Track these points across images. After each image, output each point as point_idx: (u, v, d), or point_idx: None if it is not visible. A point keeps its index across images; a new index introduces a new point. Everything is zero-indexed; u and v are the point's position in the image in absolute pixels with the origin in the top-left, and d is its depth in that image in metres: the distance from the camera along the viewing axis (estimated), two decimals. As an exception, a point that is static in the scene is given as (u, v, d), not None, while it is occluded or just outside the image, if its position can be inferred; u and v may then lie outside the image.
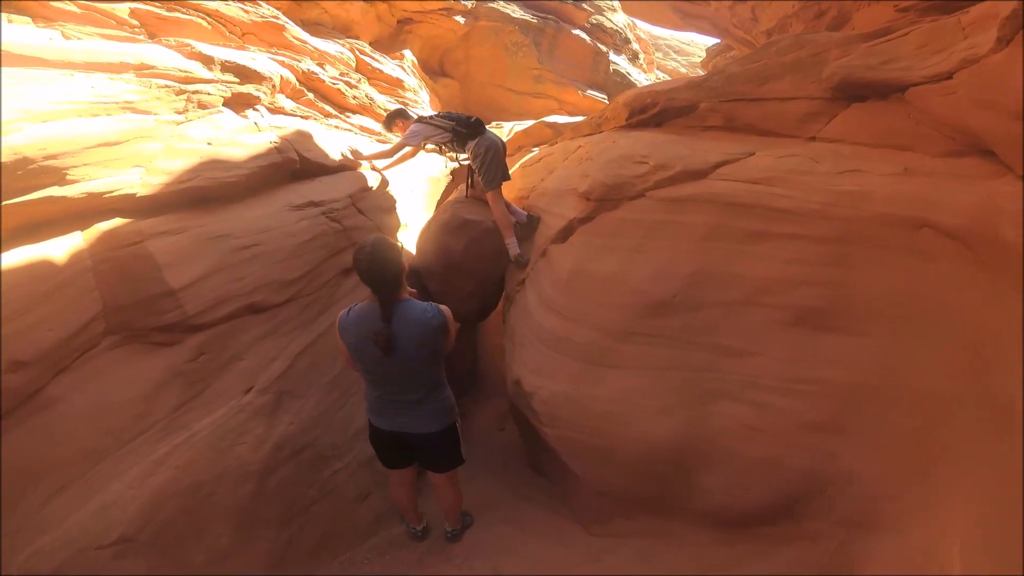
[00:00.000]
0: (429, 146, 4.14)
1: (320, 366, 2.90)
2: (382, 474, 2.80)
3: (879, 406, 2.14)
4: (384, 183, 4.35)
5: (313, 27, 6.84)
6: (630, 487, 2.62)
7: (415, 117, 4.14)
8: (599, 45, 11.50)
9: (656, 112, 3.60)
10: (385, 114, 4.89)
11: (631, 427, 2.51)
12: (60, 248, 2.34)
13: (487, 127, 3.96)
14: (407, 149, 4.09)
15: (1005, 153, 1.87)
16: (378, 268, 2.07)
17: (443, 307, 2.26)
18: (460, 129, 3.79)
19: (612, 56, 11.97)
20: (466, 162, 4.01)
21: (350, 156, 4.16)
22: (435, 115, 4.02)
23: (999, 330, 1.70)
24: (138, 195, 2.63)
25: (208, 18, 5.09)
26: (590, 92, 10.85)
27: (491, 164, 3.70)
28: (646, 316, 2.57)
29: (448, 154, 4.17)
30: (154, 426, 2.34)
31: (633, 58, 13.27)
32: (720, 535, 2.44)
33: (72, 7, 4.04)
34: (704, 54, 11.68)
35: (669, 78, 15.97)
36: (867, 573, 1.83)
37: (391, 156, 4.17)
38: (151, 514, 2.12)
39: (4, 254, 2.17)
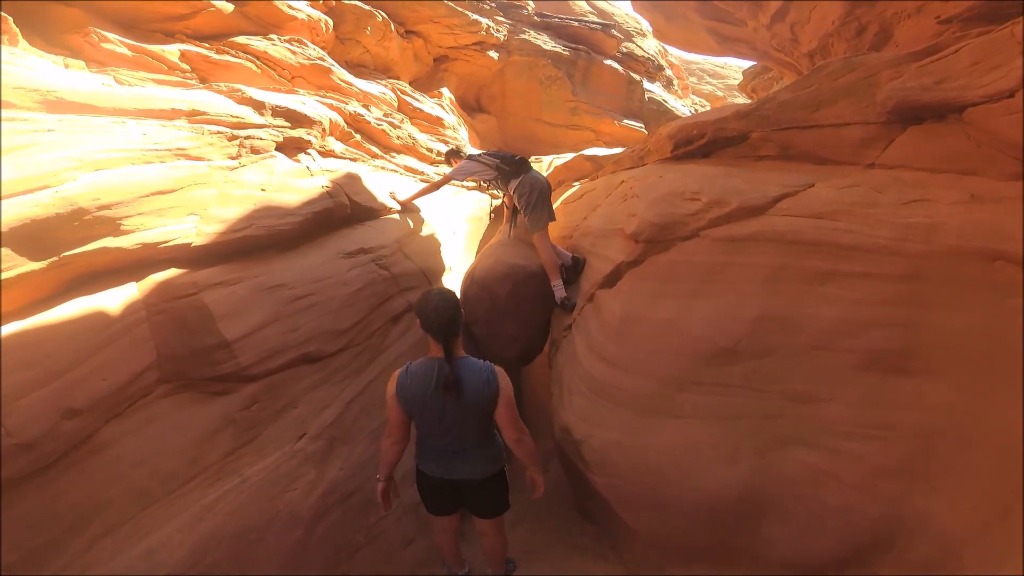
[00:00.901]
0: (469, 183, 4.17)
1: (370, 412, 2.88)
2: (426, 519, 2.75)
3: (956, 449, 2.02)
4: (429, 226, 4.38)
5: (356, 68, 7.07)
6: (689, 537, 2.49)
7: (467, 155, 4.22)
8: (631, 74, 11.51)
9: (704, 143, 3.49)
10: (427, 152, 5.00)
11: (692, 477, 2.39)
12: (115, 299, 2.37)
13: (530, 164, 3.95)
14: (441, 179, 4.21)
15: None
16: (448, 316, 2.12)
17: (498, 368, 2.23)
18: (504, 167, 3.81)
19: (646, 84, 11.95)
20: (498, 200, 4.02)
21: (394, 202, 4.21)
22: (483, 153, 4.07)
23: None
24: (193, 244, 2.65)
25: (257, 61, 5.26)
26: (626, 121, 10.83)
27: (536, 204, 3.69)
28: (708, 364, 2.45)
29: (491, 191, 4.18)
30: (205, 471, 2.34)
31: (667, 84, 13.22)
32: None
33: (124, 50, 4.24)
34: (741, 76, 11.53)
35: (706, 103, 15.82)
36: None
37: (436, 190, 4.31)
38: (199, 558, 2.10)
39: (61, 306, 2.21)
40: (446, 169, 4.82)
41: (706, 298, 2.55)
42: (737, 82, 12.93)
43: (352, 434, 2.80)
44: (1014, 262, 1.92)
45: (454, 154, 4.42)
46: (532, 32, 10.63)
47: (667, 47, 13.58)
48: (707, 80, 19.09)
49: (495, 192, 4.23)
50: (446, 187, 4.66)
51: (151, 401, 2.37)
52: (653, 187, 3.11)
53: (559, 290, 3.56)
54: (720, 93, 18.06)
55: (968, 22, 3.06)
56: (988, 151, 2.20)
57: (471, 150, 4.44)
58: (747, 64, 10.53)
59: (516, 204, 3.82)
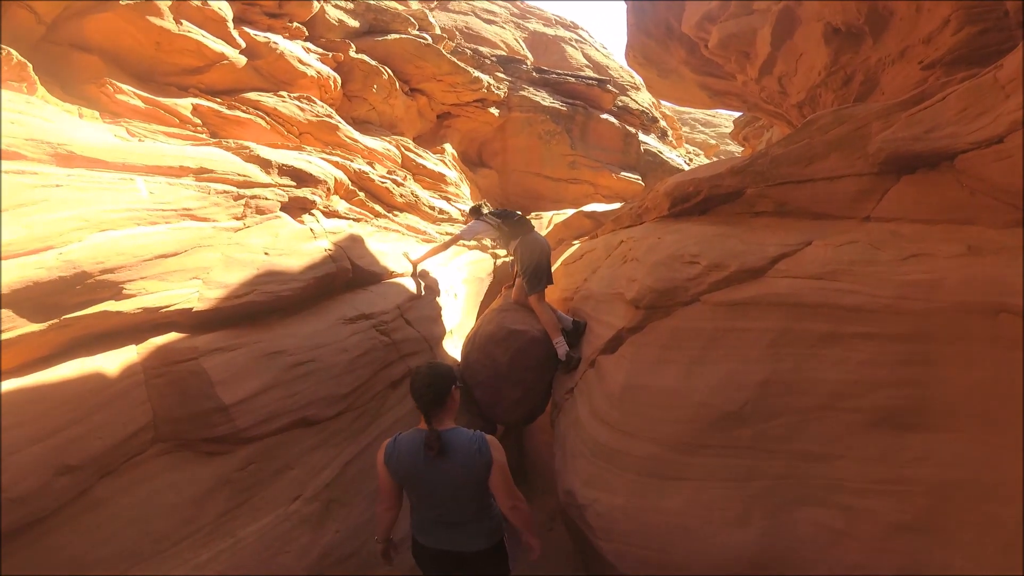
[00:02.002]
0: (473, 241, 4.21)
1: (367, 474, 2.82)
2: None
3: (974, 501, 1.95)
4: (430, 290, 4.38)
5: (362, 125, 7.27)
6: None
7: (481, 213, 4.29)
8: (627, 127, 11.83)
9: (700, 200, 3.51)
10: (428, 211, 5.12)
11: (702, 541, 2.30)
12: (113, 362, 2.35)
13: (531, 224, 3.99)
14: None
15: None
16: (432, 384, 2.11)
17: (490, 437, 2.19)
18: (504, 228, 3.86)
19: (641, 136, 12.26)
20: (507, 258, 4.05)
21: (404, 262, 4.26)
22: (489, 213, 4.13)
23: None
24: (194, 310, 2.65)
25: (267, 117, 5.40)
26: (624, 174, 11.05)
27: (533, 268, 3.71)
28: (714, 428, 2.38)
29: (492, 249, 4.22)
30: (199, 532, 2.28)
31: (662, 136, 13.55)
32: None
33: (137, 102, 4.35)
34: (732, 125, 11.83)
35: (700, 152, 16.17)
36: None
37: (446, 249, 4.38)
38: None
39: (59, 366, 2.21)
40: (449, 227, 4.92)
41: (709, 364, 2.50)
42: (728, 130, 13.26)
43: (349, 496, 2.73)
44: (1016, 314, 1.88)
45: (473, 212, 4.49)
46: (531, 88, 11.00)
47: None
48: (699, 129, 19.60)
49: (495, 252, 4.27)
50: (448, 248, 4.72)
51: (146, 459, 2.34)
52: (652, 250, 3.10)
53: (561, 346, 3.53)
54: (713, 141, 18.50)
55: (951, 66, 3.10)
56: (983, 199, 2.20)
57: (484, 209, 4.52)
58: (737, 113, 10.81)
59: (515, 265, 3.86)
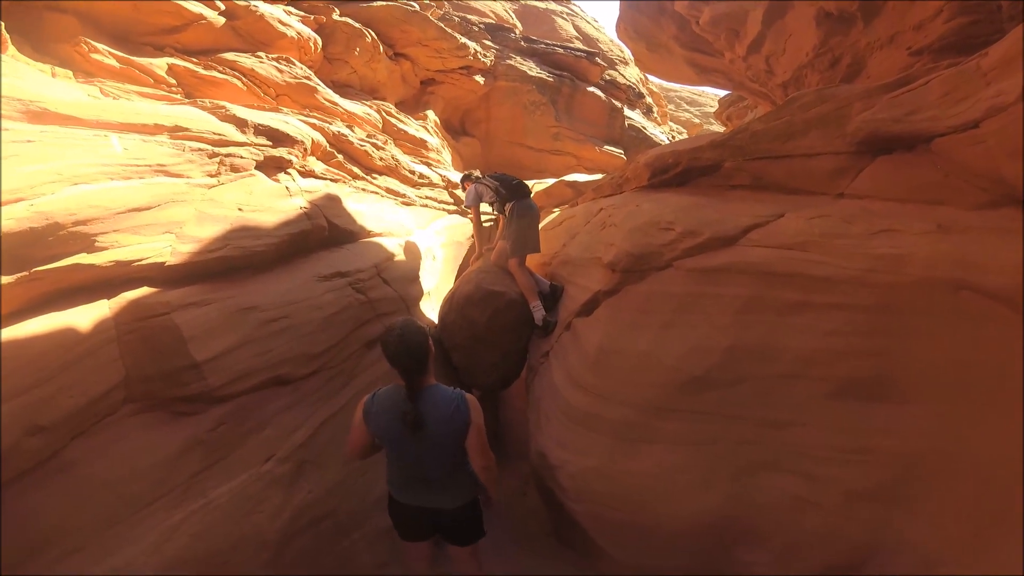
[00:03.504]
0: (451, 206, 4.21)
1: (341, 436, 2.79)
2: (399, 545, 2.66)
3: (932, 473, 2.02)
4: (410, 250, 4.35)
5: (343, 88, 7.09)
6: (666, 563, 2.46)
7: (475, 179, 4.29)
8: (614, 101, 11.74)
9: (679, 172, 3.53)
10: (408, 175, 5.09)
11: (668, 503, 2.37)
12: (85, 317, 2.30)
13: (528, 189, 4.00)
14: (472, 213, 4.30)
15: None
16: (406, 351, 2.05)
17: (469, 396, 2.19)
18: (501, 190, 3.88)
19: (627, 111, 12.19)
20: (489, 221, 4.05)
21: (386, 223, 4.22)
22: (487, 176, 4.15)
23: None
24: (167, 264, 2.60)
25: (243, 78, 5.25)
26: (607, 148, 11.02)
27: (522, 232, 3.74)
28: (683, 393, 2.44)
29: (494, 212, 4.24)
30: (171, 492, 2.28)
31: (647, 112, 13.49)
32: None
33: (112, 62, 4.20)
34: (716, 104, 11.84)
35: (684, 130, 16.17)
36: None
37: (479, 224, 4.38)
38: None
39: (29, 321, 2.15)
40: (429, 191, 4.89)
41: (680, 328, 2.54)
42: (713, 110, 13.26)
43: (323, 458, 2.73)
44: (980, 292, 1.93)
45: (466, 177, 4.49)
46: (519, 58, 10.81)
47: (648, 75, 13.90)
48: (684, 108, 19.57)
49: (492, 213, 4.27)
50: (424, 211, 4.71)
51: (118, 420, 2.31)
52: (631, 216, 3.12)
53: (538, 311, 3.55)
54: (697, 120, 18.51)
55: (939, 53, 3.12)
56: (955, 181, 2.23)
57: (476, 173, 4.51)
58: (723, 93, 10.81)
59: (505, 226, 3.88)
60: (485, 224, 4.46)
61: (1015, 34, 1.90)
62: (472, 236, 6.00)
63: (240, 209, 3.08)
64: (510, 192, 3.87)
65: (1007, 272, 1.82)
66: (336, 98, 6.10)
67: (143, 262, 2.51)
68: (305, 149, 4.11)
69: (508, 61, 10.54)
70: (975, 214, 2.13)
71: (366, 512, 2.79)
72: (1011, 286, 1.80)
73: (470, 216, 4.54)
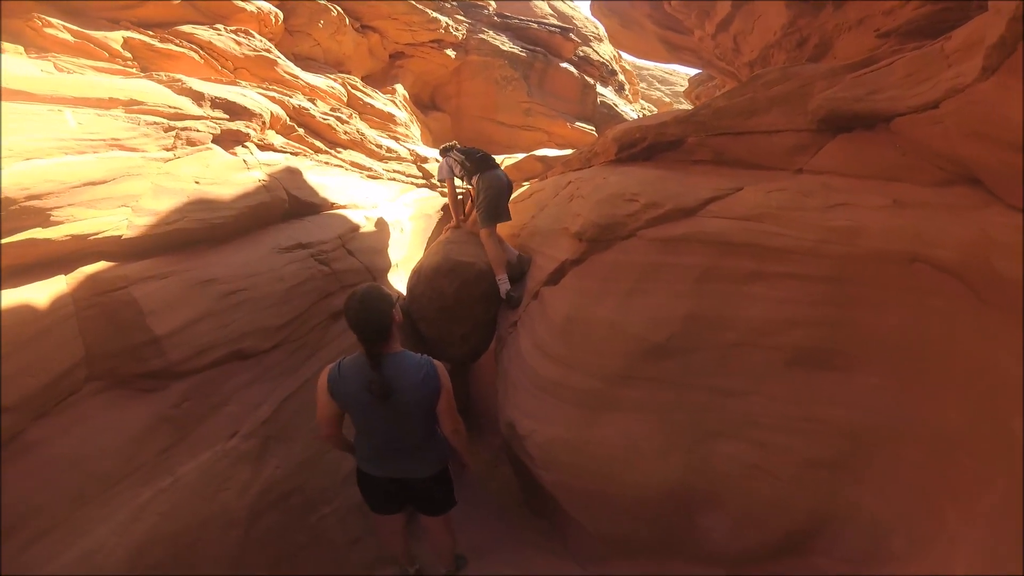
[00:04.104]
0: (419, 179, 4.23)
1: (307, 411, 2.81)
2: (372, 518, 2.71)
3: (882, 443, 2.09)
4: (377, 223, 4.34)
5: (305, 61, 6.91)
6: (631, 530, 2.55)
7: (443, 151, 4.32)
8: (586, 78, 11.72)
9: (645, 147, 3.60)
10: (376, 148, 5.11)
11: (633, 471, 2.44)
12: (43, 293, 2.26)
13: (494, 162, 4.04)
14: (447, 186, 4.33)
15: (993, 182, 1.86)
16: (367, 318, 2.00)
17: (437, 362, 2.17)
18: (467, 164, 3.93)
19: (599, 88, 12.19)
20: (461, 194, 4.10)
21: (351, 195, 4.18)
22: (455, 149, 4.19)
23: (1006, 367, 1.66)
24: (123, 237, 2.56)
25: (201, 51, 5.12)
26: (579, 124, 11.03)
27: (489, 202, 3.77)
28: (644, 360, 2.51)
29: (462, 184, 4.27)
30: (139, 470, 2.28)
31: (619, 89, 13.52)
32: (723, 574, 2.38)
33: (66, 36, 4.05)
34: (687, 83, 11.96)
35: (655, 108, 16.28)
36: None
37: (456, 198, 4.36)
38: (136, 561, 2.07)
39: None
40: (397, 165, 4.89)
41: (643, 296, 2.61)
42: (684, 89, 13.37)
43: (289, 433, 2.74)
44: (932, 265, 1.99)
45: (444, 151, 4.49)
46: (491, 32, 10.68)
47: (621, 53, 13.91)
48: (656, 86, 19.68)
49: (462, 186, 4.30)
50: (392, 184, 4.77)
51: (81, 398, 2.29)
52: (598, 189, 3.18)
53: (504, 284, 3.60)
54: (667, 99, 18.63)
55: (906, 36, 3.17)
56: (913, 159, 2.30)
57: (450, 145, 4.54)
58: (693, 72, 10.93)
59: (475, 199, 3.93)
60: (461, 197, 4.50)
61: (980, 19, 1.93)
62: (441, 209, 6.03)
63: (197, 182, 3.06)
64: (475, 165, 3.92)
65: (959, 247, 1.87)
66: (297, 71, 5.98)
67: (99, 236, 2.48)
68: (264, 122, 4.06)
69: (480, 35, 10.40)
70: (931, 191, 2.21)
71: (336, 487, 2.81)
72: (962, 260, 1.86)
73: (445, 189, 4.56)
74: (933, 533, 1.76)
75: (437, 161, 5.25)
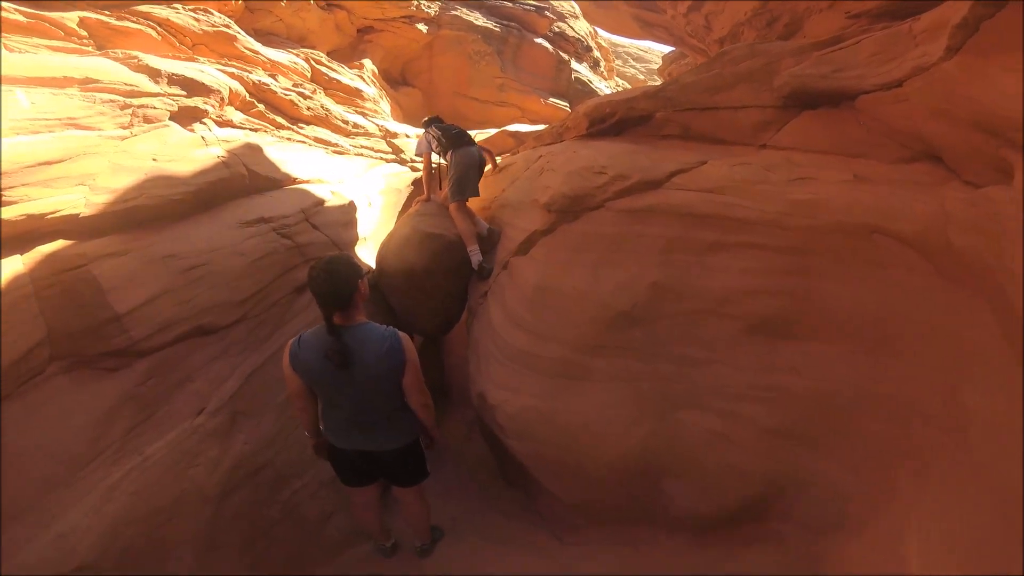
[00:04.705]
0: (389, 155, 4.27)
1: (274, 385, 2.85)
2: (345, 492, 2.74)
3: (841, 412, 2.17)
4: (341, 197, 4.37)
5: (266, 37, 6.80)
6: (601, 497, 2.63)
7: (424, 124, 4.36)
8: (561, 54, 11.72)
9: (615, 121, 3.68)
10: (342, 124, 5.26)
11: (602, 440, 2.51)
12: None
13: (470, 138, 4.10)
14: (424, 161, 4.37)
15: (953, 159, 1.93)
16: (328, 284, 1.98)
17: (403, 334, 2.15)
18: (443, 140, 4.00)
19: (574, 64, 12.20)
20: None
21: (314, 170, 4.17)
22: (432, 125, 4.23)
23: (960, 339, 1.72)
24: (81, 215, 2.56)
25: (158, 28, 5.05)
26: (552, 100, 11.06)
27: (460, 177, 3.83)
28: (612, 329, 2.59)
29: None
30: (107, 450, 2.31)
31: (594, 66, 13.54)
32: (690, 539, 2.48)
33: (19, 17, 3.96)
34: (661, 61, 12.06)
35: (628, 85, 16.36)
36: (830, 572, 1.84)
37: (428, 169, 4.39)
38: (110, 542, 2.09)
39: None
40: (365, 141, 4.92)
41: (611, 266, 2.68)
42: (658, 67, 13.46)
43: (255, 408, 2.78)
44: (892, 237, 2.05)
45: (426, 124, 4.53)
46: (464, 8, 10.59)
47: (598, 30, 13.91)
48: (631, 63, 19.76)
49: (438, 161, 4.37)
50: (359, 160, 4.90)
51: (45, 379, 2.31)
52: (568, 162, 3.23)
53: (475, 255, 3.66)
54: (642, 76, 18.72)
55: (877, 18, 3.20)
56: (876, 137, 2.36)
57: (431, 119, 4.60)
58: (668, 49, 11.02)
59: (447, 173, 4.01)
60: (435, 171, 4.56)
61: (950, 3, 1.93)
62: (412, 184, 6.05)
63: (155, 160, 3.08)
64: (450, 141, 3.98)
65: (918, 221, 1.92)
66: (258, 47, 5.89)
67: (56, 215, 2.48)
68: (222, 99, 4.05)
69: (453, 12, 10.31)
70: (893, 167, 2.28)
71: (306, 462, 2.84)
72: (921, 233, 1.91)
73: (417, 164, 4.57)
74: (888, 500, 1.82)
75: (408, 137, 5.26)
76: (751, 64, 3.00)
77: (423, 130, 4.40)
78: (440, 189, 4.33)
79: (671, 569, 2.42)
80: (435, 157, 4.29)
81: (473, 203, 4.02)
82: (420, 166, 4.69)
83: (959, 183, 1.85)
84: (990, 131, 1.53)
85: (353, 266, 2.07)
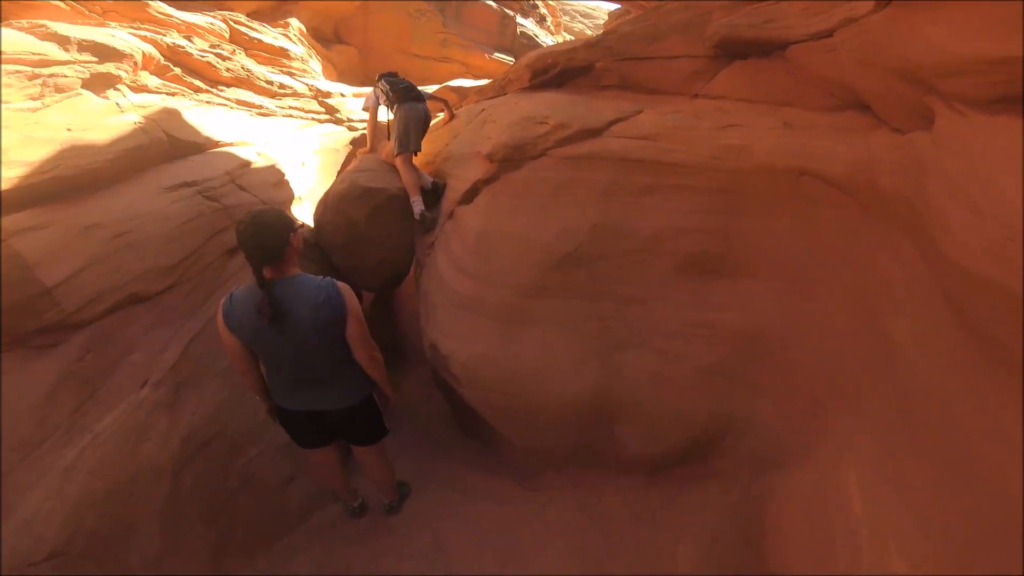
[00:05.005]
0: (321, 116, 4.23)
1: (215, 352, 2.83)
2: (303, 456, 2.74)
3: (771, 348, 2.28)
4: (268, 158, 4.34)
5: (181, 3, 6.44)
6: (556, 442, 2.73)
7: (379, 79, 4.31)
8: (505, 10, 11.51)
9: (557, 72, 3.72)
10: (266, 85, 5.25)
11: (550, 383, 2.58)
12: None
13: (417, 93, 4.09)
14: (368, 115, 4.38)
15: (881, 108, 2.02)
16: (255, 236, 1.89)
17: (342, 284, 2.09)
18: (390, 93, 3.99)
19: (519, 19, 12.02)
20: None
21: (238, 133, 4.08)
22: (381, 79, 4.21)
23: (885, 273, 1.81)
24: (-5, 191, 2.45)
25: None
26: (497, 55, 10.90)
27: (403, 131, 3.85)
28: (556, 270, 2.69)
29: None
30: (56, 432, 2.29)
31: (540, 21, 13.38)
32: (643, 479, 2.64)
33: None
34: (607, 18, 12.02)
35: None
36: (775, 506, 1.89)
37: (373, 122, 4.39)
38: (76, 525, 2.10)
39: None
40: (293, 101, 5.14)
41: (553, 210, 2.77)
42: (604, 23, 13.42)
43: (199, 377, 2.77)
44: (820, 178, 2.15)
45: (378, 79, 4.46)
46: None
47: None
48: (579, 19, 19.69)
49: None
50: (289, 121, 5.00)
51: (-21, 364, 2.23)
52: (509, 113, 3.27)
53: (417, 205, 3.68)
54: (589, 31, 18.66)
55: None
56: (805, 86, 2.45)
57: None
58: (614, 7, 10.98)
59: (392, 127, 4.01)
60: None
61: None
62: (350, 143, 5.96)
63: (69, 130, 2.99)
64: (396, 95, 3.97)
65: (846, 163, 2.02)
66: (171, 10, 5.59)
67: (-32, 193, 2.36)
68: (135, 63, 3.91)
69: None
70: (820, 115, 2.37)
71: (260, 428, 2.86)
72: (849, 175, 2.00)
73: (350, 123, 4.52)
74: (821, 437, 1.89)
75: (343, 96, 5.17)
76: (685, 15, 3.08)
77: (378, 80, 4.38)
78: (388, 142, 4.30)
79: (629, 510, 2.54)
80: (382, 112, 4.25)
81: (418, 159, 4.01)
82: (360, 126, 4.60)
83: (887, 130, 1.94)
84: (914, 80, 1.59)
85: (282, 218, 2.00)
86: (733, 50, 2.81)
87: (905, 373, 1.48)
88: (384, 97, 4.11)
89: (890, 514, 1.26)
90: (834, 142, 2.15)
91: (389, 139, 4.06)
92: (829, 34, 2.10)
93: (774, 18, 2.45)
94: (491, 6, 11.21)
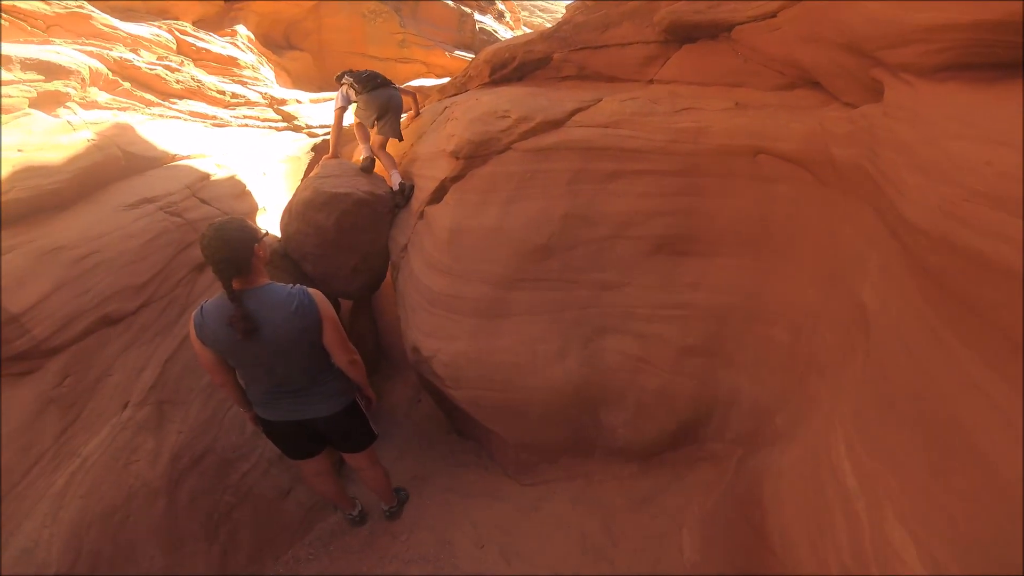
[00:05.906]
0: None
1: (194, 369, 2.88)
2: (296, 467, 2.76)
3: (748, 324, 2.36)
4: (228, 169, 4.40)
5: (124, 13, 6.44)
6: (546, 435, 2.81)
7: (340, 78, 4.36)
8: (462, 7, 11.65)
9: (516, 66, 3.86)
10: (218, 95, 5.36)
11: (533, 375, 2.65)
12: None
13: (381, 81, 4.18)
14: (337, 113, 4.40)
15: (830, 82, 2.14)
16: (220, 248, 1.90)
17: (313, 291, 2.11)
18: (356, 87, 4.07)
19: (477, 16, 12.16)
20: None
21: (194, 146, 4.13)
22: (345, 75, 4.28)
23: (850, 242, 1.89)
24: (-53, 217, 2.44)
25: (5, 15, 4.77)
26: (458, 53, 10.98)
27: (378, 118, 4.04)
28: (530, 261, 2.79)
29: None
30: (43, 458, 2.32)
31: (499, 16, 13.58)
32: (637, 467, 2.74)
33: None
34: (565, 11, 12.24)
35: (535, 33, 16.46)
36: (771, 484, 1.91)
37: (341, 121, 4.39)
38: (77, 548, 2.15)
39: None
40: (248, 111, 5.31)
41: (522, 202, 2.88)
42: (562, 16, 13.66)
43: (181, 395, 2.81)
44: (776, 155, 2.26)
45: (339, 79, 4.53)
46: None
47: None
48: (538, 14, 20.05)
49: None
50: (245, 131, 5.11)
51: (-45, 396, 2.23)
52: (470, 109, 3.37)
53: (395, 177, 3.81)
54: (549, 25, 19.01)
55: None
56: (754, 66, 2.57)
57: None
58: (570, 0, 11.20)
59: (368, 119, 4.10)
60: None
61: None
62: (312, 150, 5.99)
63: (21, 151, 3.00)
64: (362, 85, 4.06)
65: (799, 139, 2.13)
66: (116, 23, 5.60)
67: (-78, 222, 2.34)
68: (83, 79, 3.93)
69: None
70: (772, 94, 2.50)
71: (250, 442, 2.90)
72: (803, 150, 2.11)
73: (310, 130, 4.59)
74: (808, 411, 1.92)
75: (299, 103, 5.31)
76: (635, 3, 3.23)
77: (337, 80, 4.43)
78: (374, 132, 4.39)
79: (625, 498, 2.64)
80: (349, 115, 4.31)
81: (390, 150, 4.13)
82: (320, 132, 4.69)
83: (838, 104, 2.03)
84: (860, 53, 1.67)
85: (246, 228, 2.01)
86: (682, 34, 2.95)
87: (878, 339, 1.52)
88: (353, 91, 4.16)
89: (883, 484, 1.28)
90: (787, 119, 2.28)
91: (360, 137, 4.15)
92: (774, 14, 2.22)
93: (719, 1, 2.57)
94: (448, 4, 11.31)
